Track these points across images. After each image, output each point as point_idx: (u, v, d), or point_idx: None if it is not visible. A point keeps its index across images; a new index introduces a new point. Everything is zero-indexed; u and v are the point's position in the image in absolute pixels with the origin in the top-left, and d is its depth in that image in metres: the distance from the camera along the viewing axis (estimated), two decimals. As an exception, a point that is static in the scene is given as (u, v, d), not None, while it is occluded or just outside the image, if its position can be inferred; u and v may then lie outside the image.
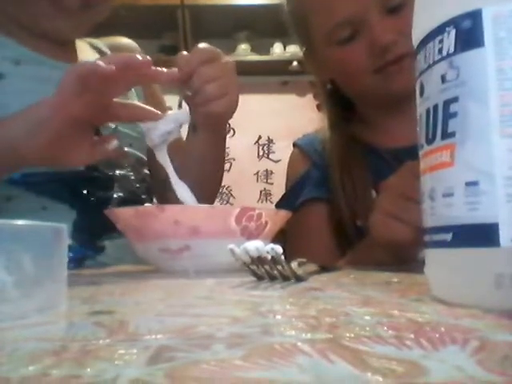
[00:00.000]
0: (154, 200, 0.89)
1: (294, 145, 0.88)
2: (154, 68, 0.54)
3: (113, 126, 0.78)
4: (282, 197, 0.86)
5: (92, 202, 0.72)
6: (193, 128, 0.72)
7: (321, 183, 0.79)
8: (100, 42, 0.88)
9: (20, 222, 0.23)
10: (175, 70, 0.57)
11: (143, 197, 0.81)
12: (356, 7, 0.68)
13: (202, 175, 0.76)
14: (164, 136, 0.54)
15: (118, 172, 0.77)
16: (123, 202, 0.75)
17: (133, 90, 0.85)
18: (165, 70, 0.55)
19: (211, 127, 0.70)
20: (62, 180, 0.71)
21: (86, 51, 0.83)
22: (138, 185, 0.80)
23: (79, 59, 0.80)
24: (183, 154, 0.77)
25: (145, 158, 0.86)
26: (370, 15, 0.68)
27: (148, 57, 0.53)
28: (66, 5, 0.68)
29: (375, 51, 0.69)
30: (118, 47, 0.89)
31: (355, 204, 0.74)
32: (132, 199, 0.77)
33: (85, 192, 0.72)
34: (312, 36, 0.76)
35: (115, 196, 0.75)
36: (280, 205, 0.83)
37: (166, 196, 0.88)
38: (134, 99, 0.86)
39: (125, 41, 0.93)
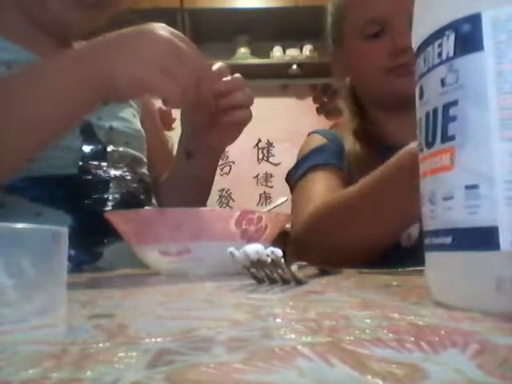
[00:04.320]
0: (153, 201, 0.88)
1: (309, 134, 0.92)
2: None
3: (107, 124, 0.78)
4: (296, 164, 0.86)
5: (87, 205, 0.72)
6: (186, 155, 0.75)
7: (336, 155, 0.82)
8: None
9: (20, 225, 0.23)
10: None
11: (141, 197, 0.80)
12: (387, 9, 0.76)
13: (191, 196, 0.80)
14: None
15: (112, 173, 0.76)
16: (120, 204, 0.75)
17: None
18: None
19: (212, 153, 0.76)
20: (55, 185, 0.69)
21: None
22: (135, 185, 0.79)
23: None
24: (172, 176, 0.83)
25: (142, 156, 0.85)
26: (397, 19, 0.75)
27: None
28: None
29: (395, 51, 0.75)
30: None
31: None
32: (129, 200, 0.76)
33: (79, 196, 0.72)
34: (344, 29, 0.84)
35: (110, 198, 0.75)
36: (292, 171, 0.86)
37: (161, 196, 0.89)
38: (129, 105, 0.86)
39: None
